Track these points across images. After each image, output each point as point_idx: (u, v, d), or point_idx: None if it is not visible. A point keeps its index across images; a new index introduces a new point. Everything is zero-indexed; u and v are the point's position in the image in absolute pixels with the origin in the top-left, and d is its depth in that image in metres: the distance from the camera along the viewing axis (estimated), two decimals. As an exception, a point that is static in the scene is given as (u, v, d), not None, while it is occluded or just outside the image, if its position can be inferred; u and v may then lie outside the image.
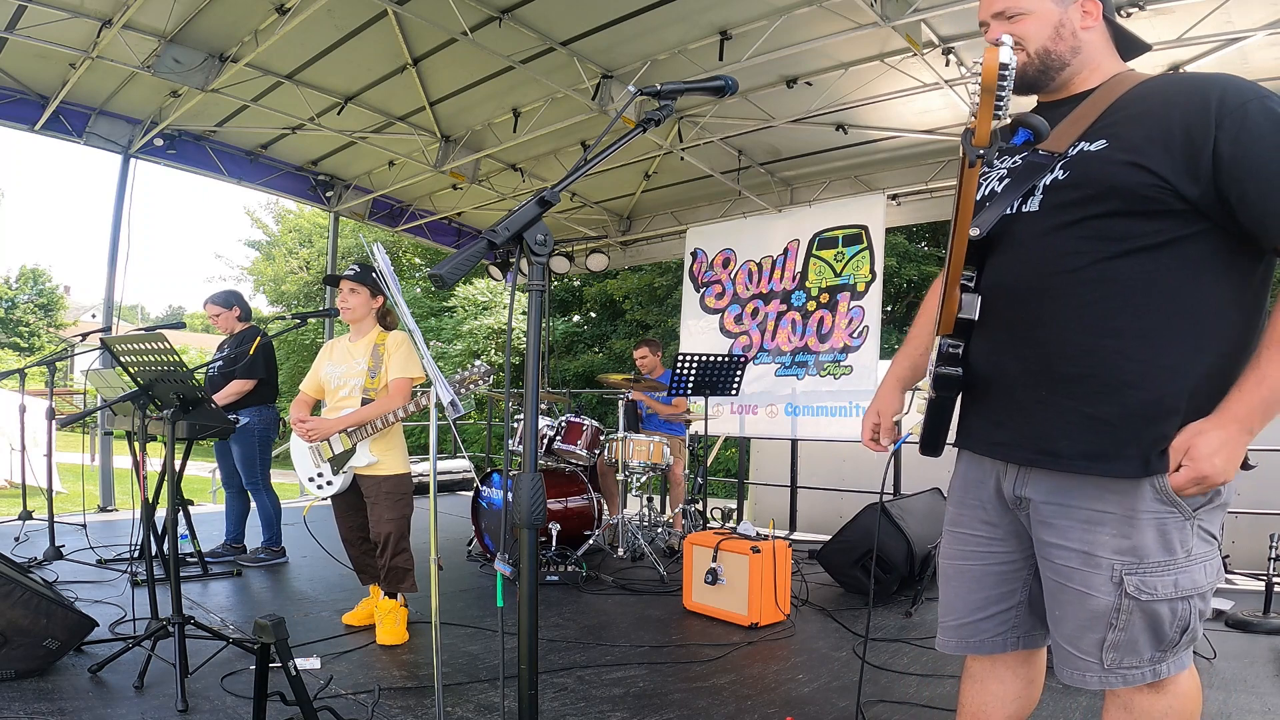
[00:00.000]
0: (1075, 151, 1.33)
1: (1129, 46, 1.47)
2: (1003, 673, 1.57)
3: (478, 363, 2.98)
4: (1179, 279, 1.27)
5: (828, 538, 4.53)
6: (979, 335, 1.40)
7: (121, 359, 2.92)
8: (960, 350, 1.41)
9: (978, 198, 1.48)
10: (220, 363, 4.64)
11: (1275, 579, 3.66)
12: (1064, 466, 1.33)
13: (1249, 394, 1.21)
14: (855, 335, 6.42)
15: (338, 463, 3.30)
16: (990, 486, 1.49)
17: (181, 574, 3.16)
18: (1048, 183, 1.34)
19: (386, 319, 3.47)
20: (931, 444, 1.50)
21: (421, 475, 7.14)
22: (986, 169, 1.52)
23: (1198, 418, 1.25)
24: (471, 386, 2.95)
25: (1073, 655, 1.37)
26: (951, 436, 1.51)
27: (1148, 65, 4.74)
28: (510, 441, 5.00)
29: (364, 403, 3.28)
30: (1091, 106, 1.37)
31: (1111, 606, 1.30)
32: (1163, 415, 1.26)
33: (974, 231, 1.34)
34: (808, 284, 6.83)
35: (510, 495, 1.55)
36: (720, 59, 5.11)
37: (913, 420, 1.57)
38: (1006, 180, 1.43)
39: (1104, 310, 1.29)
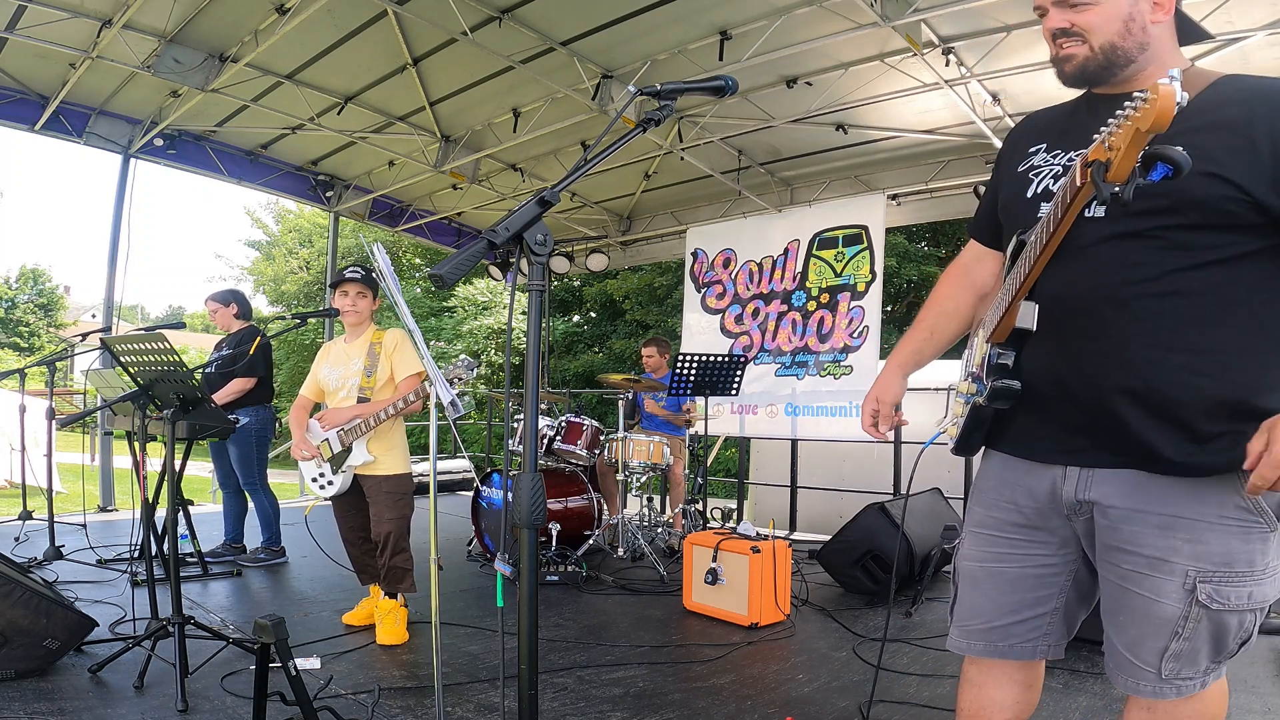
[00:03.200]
0: None
1: (1187, 32, 1.37)
2: (1000, 678, 1.54)
3: (462, 357, 2.97)
4: (1251, 292, 1.23)
5: (828, 538, 4.53)
6: (1033, 343, 1.34)
7: (121, 359, 2.92)
8: (1011, 361, 1.36)
9: (1028, 195, 1.41)
10: (219, 361, 4.64)
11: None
12: (1141, 466, 1.28)
13: None
14: (855, 335, 6.43)
15: (336, 462, 3.30)
16: (1040, 489, 1.41)
17: (181, 574, 3.16)
18: (1115, 189, 1.29)
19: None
20: (968, 446, 1.48)
21: (421, 475, 7.13)
22: (1037, 165, 1.42)
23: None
24: (455, 382, 2.94)
25: (1131, 663, 1.32)
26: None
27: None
28: (510, 441, 5.00)
29: (360, 403, 3.28)
30: None
31: (1179, 615, 1.26)
32: (1238, 417, 1.21)
33: (1030, 239, 1.27)
34: (808, 284, 6.83)
35: (510, 495, 1.55)
36: (720, 59, 5.11)
37: (936, 418, 1.54)
38: (1062, 181, 1.31)
39: (1173, 323, 1.24)
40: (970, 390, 1.47)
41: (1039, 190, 1.40)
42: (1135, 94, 0.98)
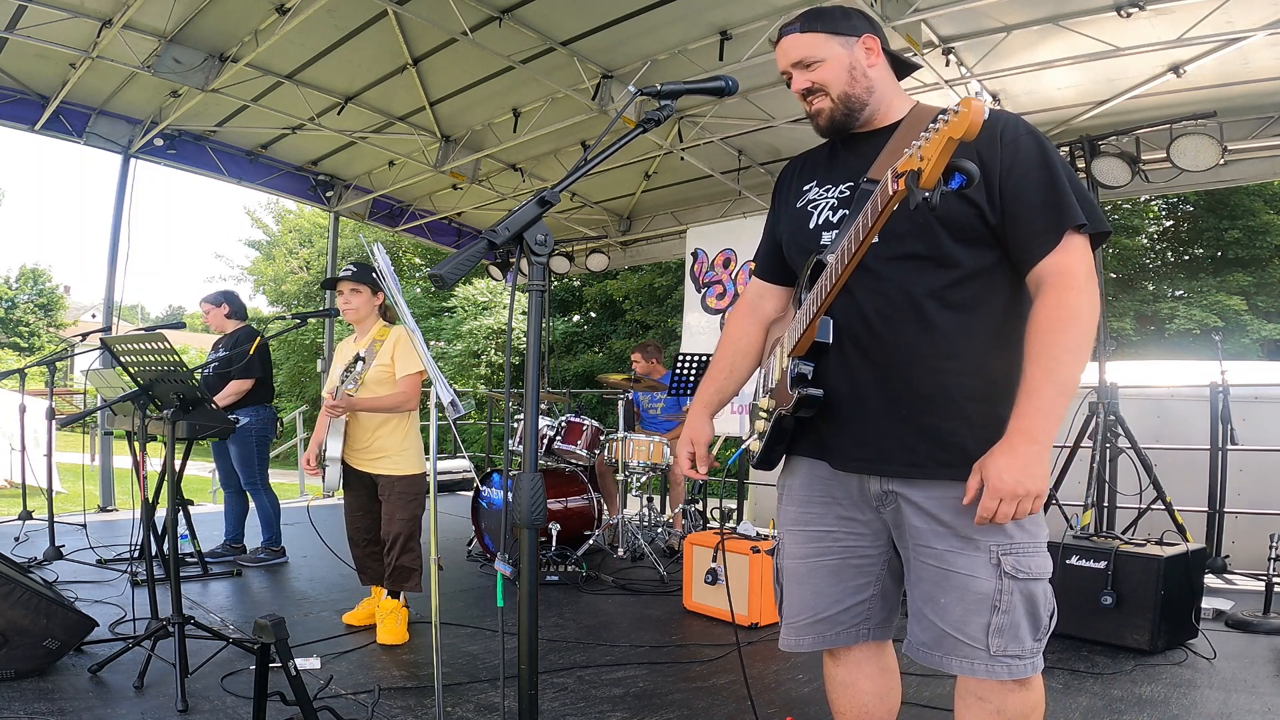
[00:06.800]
0: None
1: (901, 67, 1.56)
2: (869, 670, 1.61)
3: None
4: (998, 301, 1.39)
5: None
6: (831, 356, 1.46)
7: (121, 359, 2.92)
8: (810, 371, 1.46)
9: (810, 226, 1.55)
10: (216, 363, 4.63)
11: (1275, 579, 3.66)
12: (929, 475, 1.40)
13: (1024, 408, 1.31)
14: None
15: (321, 457, 3.32)
16: (851, 484, 1.52)
17: (181, 574, 3.16)
18: (926, 194, 1.40)
19: (388, 313, 3.47)
20: (769, 459, 1.58)
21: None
22: (814, 199, 1.56)
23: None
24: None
25: (961, 643, 1.40)
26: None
27: (1148, 64, 4.75)
28: (510, 441, 5.00)
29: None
30: (905, 136, 1.42)
31: (994, 589, 1.37)
32: (1002, 422, 1.36)
33: (830, 258, 1.38)
34: (808, 284, 6.82)
35: (510, 495, 1.56)
36: (720, 59, 5.11)
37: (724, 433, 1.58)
38: (841, 210, 1.49)
39: (947, 334, 1.39)
40: (771, 405, 1.56)
41: (820, 221, 1.53)
42: (946, 109, 1.07)
